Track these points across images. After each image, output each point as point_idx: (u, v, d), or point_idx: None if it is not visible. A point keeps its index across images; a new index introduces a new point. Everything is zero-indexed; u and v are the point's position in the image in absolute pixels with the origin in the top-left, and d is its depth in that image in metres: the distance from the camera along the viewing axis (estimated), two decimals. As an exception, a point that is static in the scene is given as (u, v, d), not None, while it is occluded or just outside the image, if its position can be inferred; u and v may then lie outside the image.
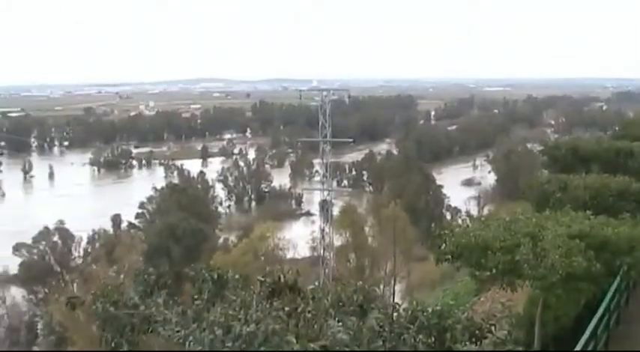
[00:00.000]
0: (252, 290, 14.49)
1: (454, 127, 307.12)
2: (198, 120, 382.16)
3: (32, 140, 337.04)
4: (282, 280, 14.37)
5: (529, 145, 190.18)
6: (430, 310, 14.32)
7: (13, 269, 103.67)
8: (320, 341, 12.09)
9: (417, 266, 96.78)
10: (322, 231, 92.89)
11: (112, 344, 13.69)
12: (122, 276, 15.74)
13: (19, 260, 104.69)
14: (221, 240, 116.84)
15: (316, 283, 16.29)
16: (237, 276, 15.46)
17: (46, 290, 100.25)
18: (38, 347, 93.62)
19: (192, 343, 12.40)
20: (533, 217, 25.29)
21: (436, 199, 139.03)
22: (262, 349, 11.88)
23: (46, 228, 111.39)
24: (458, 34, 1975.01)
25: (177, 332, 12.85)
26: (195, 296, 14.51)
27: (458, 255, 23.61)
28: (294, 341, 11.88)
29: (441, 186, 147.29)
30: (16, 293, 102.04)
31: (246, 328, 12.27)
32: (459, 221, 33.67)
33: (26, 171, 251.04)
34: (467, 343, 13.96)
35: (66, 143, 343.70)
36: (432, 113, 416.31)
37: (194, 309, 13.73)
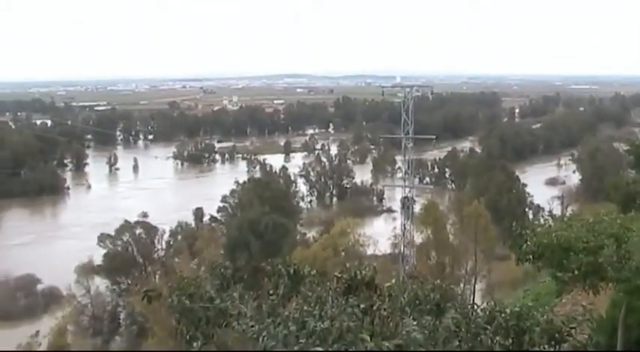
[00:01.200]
0: (328, 286, 14.38)
1: (539, 125, 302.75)
2: (281, 115, 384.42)
3: (118, 133, 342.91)
4: (358, 276, 14.24)
5: (615, 144, 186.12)
6: (509, 311, 14.05)
7: (98, 259, 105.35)
8: (395, 340, 11.93)
9: (498, 266, 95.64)
10: (403, 227, 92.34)
11: (187, 337, 13.75)
12: (202, 269, 15.76)
13: (103, 251, 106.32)
14: (302, 235, 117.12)
15: (393, 280, 16.07)
16: (313, 272, 15.36)
17: (129, 281, 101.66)
18: (120, 337, 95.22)
19: (266, 338, 12.35)
20: (617, 218, 24.71)
21: (519, 198, 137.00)
22: (336, 346, 11.78)
23: (127, 221, 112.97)
24: (544, 30, 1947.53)
25: (252, 326, 12.82)
26: (271, 291, 14.48)
27: (539, 255, 23.23)
28: (368, 339, 11.74)
29: (524, 185, 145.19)
30: (100, 283, 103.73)
31: (320, 324, 12.18)
32: (541, 220, 33.18)
33: (111, 164, 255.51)
34: (545, 346, 13.66)
35: (150, 136, 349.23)
36: (517, 110, 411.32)
37: (269, 304, 13.70)
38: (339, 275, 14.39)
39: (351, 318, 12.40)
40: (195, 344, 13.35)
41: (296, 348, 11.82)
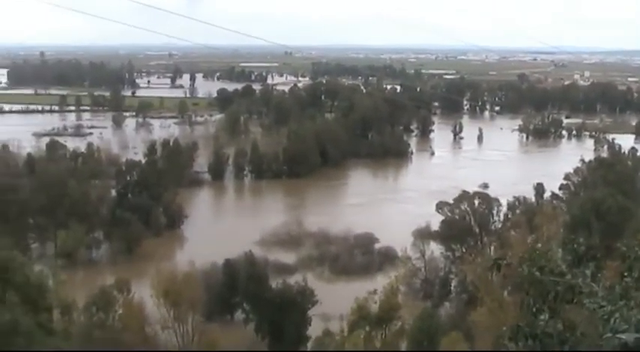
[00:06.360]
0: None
1: None
2: (635, 94, 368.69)
3: (464, 102, 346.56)
4: None
5: None
6: None
7: (435, 225, 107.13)
8: None
9: None
10: None
11: (534, 310, 13.49)
12: (539, 245, 15.35)
13: (440, 217, 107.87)
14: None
15: None
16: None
17: (464, 250, 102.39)
18: (450, 303, 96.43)
19: (617, 320, 11.84)
20: None
21: None
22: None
23: (466, 191, 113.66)
24: None
25: (602, 307, 12.35)
26: (625, 273, 13.84)
27: None
28: None
29: None
30: (435, 249, 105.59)
31: (678, 314, 11.50)
32: None
33: (456, 133, 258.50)
34: None
35: (497, 108, 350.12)
36: None
37: (623, 286, 13.10)
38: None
39: None
40: (542, 317, 13.08)
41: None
